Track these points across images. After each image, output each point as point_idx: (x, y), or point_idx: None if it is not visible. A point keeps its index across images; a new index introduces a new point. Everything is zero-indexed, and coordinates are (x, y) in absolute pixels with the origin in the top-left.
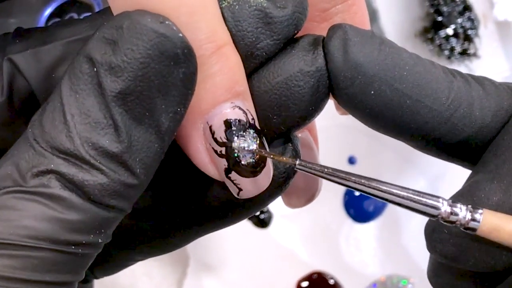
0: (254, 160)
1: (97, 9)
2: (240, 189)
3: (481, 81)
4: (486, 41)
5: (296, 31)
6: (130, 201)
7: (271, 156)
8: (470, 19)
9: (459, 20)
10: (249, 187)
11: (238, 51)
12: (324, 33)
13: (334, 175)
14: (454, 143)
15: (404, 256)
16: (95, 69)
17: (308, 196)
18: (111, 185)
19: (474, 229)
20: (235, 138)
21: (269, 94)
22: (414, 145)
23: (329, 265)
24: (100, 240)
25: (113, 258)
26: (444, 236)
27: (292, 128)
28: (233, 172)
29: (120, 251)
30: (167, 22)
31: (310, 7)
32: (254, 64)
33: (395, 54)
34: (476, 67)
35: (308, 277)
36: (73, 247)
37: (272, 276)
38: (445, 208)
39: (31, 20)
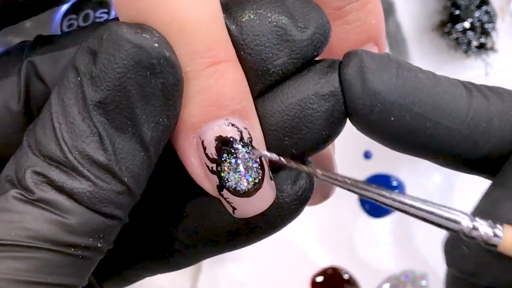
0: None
1: (113, 6)
2: (234, 208)
3: (500, 93)
4: (504, 35)
5: (315, 53)
6: (124, 209)
7: (292, 164)
8: (487, 12)
9: (476, 14)
10: (243, 206)
11: (254, 66)
12: (338, 30)
13: (356, 186)
14: (474, 158)
15: (419, 251)
16: (79, 78)
17: (322, 194)
18: (100, 193)
19: (495, 245)
20: (225, 155)
21: (281, 114)
22: (434, 162)
23: (344, 260)
24: (99, 245)
25: (121, 274)
26: (464, 252)
27: (305, 153)
28: (225, 190)
29: (127, 268)
30: (144, 35)
31: (324, 5)
32: (270, 82)
33: (412, 78)
34: (493, 61)
35: (323, 272)
36: (72, 249)
37: (287, 270)
38: (466, 223)
39: (47, 17)
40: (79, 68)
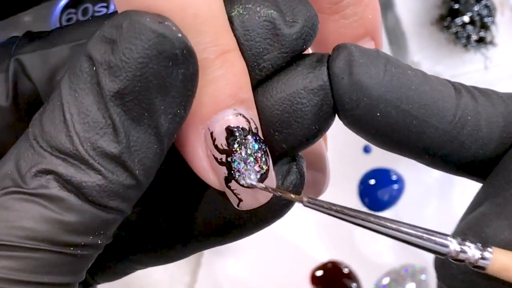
0: (255, 170)
1: (112, 0)
2: (240, 200)
3: (488, 95)
4: (503, 29)
5: (304, 47)
6: (130, 202)
7: (278, 192)
8: (486, 6)
9: (476, 8)
10: (250, 198)
11: (244, 60)
12: (334, 25)
13: (342, 212)
14: (461, 159)
15: None
16: (94, 68)
17: (315, 191)
18: (109, 186)
19: (483, 268)
20: (236, 145)
21: (271, 109)
22: (421, 162)
23: (344, 255)
24: (99, 242)
25: (113, 267)
26: (453, 272)
27: (295, 148)
28: (233, 181)
29: (119, 261)
30: (166, 23)
31: None
32: (260, 76)
33: (400, 74)
34: (492, 55)
35: (323, 266)
36: (71, 248)
37: (287, 265)
38: (454, 246)
39: (46, 11)
40: (95, 58)
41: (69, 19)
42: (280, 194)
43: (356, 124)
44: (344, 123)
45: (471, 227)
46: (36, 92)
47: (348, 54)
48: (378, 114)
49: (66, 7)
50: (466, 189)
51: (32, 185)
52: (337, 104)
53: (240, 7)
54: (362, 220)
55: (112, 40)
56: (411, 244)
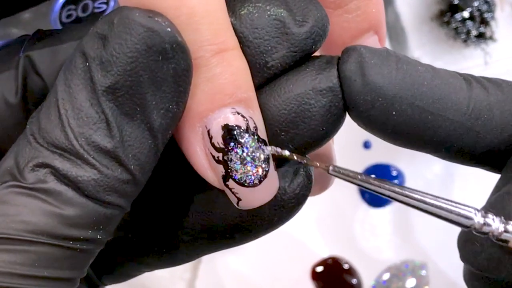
0: (252, 169)
1: None
2: (239, 199)
3: (499, 84)
4: (503, 24)
5: (314, 47)
6: (128, 198)
7: (304, 160)
8: (486, 2)
9: (476, 3)
10: (249, 197)
11: (252, 59)
12: (338, 19)
13: (367, 182)
14: (477, 150)
15: (419, 241)
16: (87, 64)
17: (321, 185)
18: (104, 181)
19: (507, 241)
20: (233, 144)
21: (278, 108)
22: (436, 155)
23: (344, 250)
24: (99, 237)
25: (120, 268)
26: (476, 248)
27: (302, 149)
28: (230, 180)
29: (126, 263)
30: (156, 18)
31: None
32: (268, 75)
33: (412, 71)
34: (492, 51)
35: (323, 262)
36: (71, 242)
37: (287, 261)
38: (478, 218)
39: (46, 8)
40: (88, 53)
41: (69, 16)
42: (305, 162)
43: (372, 124)
44: (359, 125)
45: (494, 205)
46: (46, 89)
47: (358, 56)
48: (394, 113)
49: (65, 3)
50: (467, 184)
51: (30, 179)
52: (351, 106)
53: (250, 5)
54: (387, 190)
55: (104, 35)
56: (435, 216)
